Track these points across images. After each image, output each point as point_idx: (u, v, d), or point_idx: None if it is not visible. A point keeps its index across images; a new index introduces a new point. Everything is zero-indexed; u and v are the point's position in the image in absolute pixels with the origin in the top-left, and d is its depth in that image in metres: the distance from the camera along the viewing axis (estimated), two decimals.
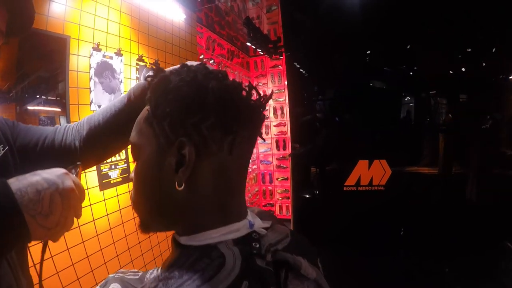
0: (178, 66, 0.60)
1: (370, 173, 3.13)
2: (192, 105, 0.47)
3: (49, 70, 1.57)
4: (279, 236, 0.55)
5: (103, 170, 1.90)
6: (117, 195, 1.98)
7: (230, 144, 0.49)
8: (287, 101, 4.82)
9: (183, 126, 0.47)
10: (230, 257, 0.45)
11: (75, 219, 0.56)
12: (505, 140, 4.81)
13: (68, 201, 0.53)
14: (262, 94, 0.54)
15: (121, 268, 1.93)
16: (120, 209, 1.99)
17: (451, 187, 3.79)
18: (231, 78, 0.53)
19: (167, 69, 0.67)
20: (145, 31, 2.27)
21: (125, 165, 2.07)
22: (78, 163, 0.65)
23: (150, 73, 0.56)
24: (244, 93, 0.51)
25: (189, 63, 0.66)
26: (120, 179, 2.00)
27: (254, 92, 0.54)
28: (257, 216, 0.57)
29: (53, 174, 0.53)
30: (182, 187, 0.47)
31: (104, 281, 0.81)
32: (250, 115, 0.51)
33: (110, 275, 0.84)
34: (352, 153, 3.54)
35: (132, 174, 0.58)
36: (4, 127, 0.75)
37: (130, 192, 0.60)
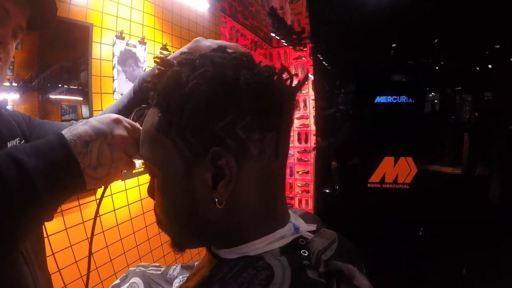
0: (185, 51, 0.53)
1: (395, 170, 3.02)
2: (220, 105, 0.39)
3: (71, 59, 1.57)
4: (327, 241, 0.49)
5: None
6: (139, 185, 1.98)
7: (273, 143, 0.42)
8: (310, 93, 4.73)
9: (212, 132, 0.39)
10: (278, 268, 0.39)
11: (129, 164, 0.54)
12: None
13: (119, 151, 0.50)
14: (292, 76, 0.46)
15: (140, 259, 1.94)
16: (141, 199, 1.99)
17: (474, 188, 3.62)
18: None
19: (173, 56, 0.59)
20: (169, 19, 2.24)
21: None
22: (143, 105, 0.59)
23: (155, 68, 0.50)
24: (276, 77, 0.43)
25: (200, 41, 0.60)
26: (142, 169, 1.99)
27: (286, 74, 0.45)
28: (300, 218, 0.51)
29: (103, 122, 0.51)
30: (223, 205, 0.41)
31: (125, 274, 0.79)
32: (288, 104, 0.44)
33: (131, 268, 0.82)
34: (377, 149, 3.44)
35: (150, 189, 0.52)
36: (21, 121, 0.74)
37: (155, 210, 0.52)
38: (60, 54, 1.51)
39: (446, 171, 3.12)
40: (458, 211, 2.79)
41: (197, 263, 0.73)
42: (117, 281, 0.75)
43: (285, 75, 0.45)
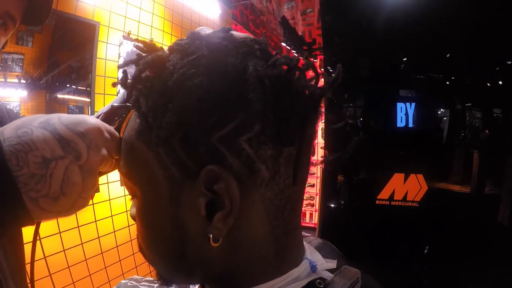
0: (178, 40, 0.34)
1: (405, 187, 2.91)
2: (217, 106, 0.28)
3: (80, 60, 1.56)
4: (349, 281, 0.38)
5: None
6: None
7: (291, 163, 0.31)
8: None
9: (207, 144, 0.28)
10: None
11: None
12: None
13: (94, 175, 0.34)
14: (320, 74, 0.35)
15: (136, 269, 1.86)
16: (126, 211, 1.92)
17: (483, 208, 3.52)
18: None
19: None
20: (178, 23, 2.21)
21: None
22: (127, 104, 0.41)
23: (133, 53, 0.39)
24: (298, 73, 0.32)
25: (203, 30, 0.36)
26: None
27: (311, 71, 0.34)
28: (316, 251, 0.41)
29: (75, 130, 0.32)
30: (219, 242, 0.31)
31: (115, 286, 0.74)
32: (313, 110, 0.33)
33: (123, 281, 0.77)
34: (387, 165, 3.35)
35: (132, 210, 0.40)
36: (4, 116, 0.67)
37: (137, 237, 0.41)
38: (70, 54, 1.52)
39: (455, 189, 3.03)
40: (467, 231, 2.69)
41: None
42: None
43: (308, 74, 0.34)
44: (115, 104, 0.41)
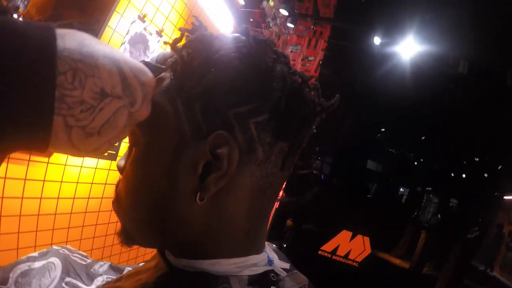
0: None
1: (350, 245, 3.00)
2: (244, 89, 0.34)
3: (85, 22, 1.52)
4: (297, 285, 0.42)
5: None
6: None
7: (282, 154, 0.37)
8: None
9: (223, 115, 0.33)
10: None
11: None
12: (481, 255, 4.85)
13: (131, 126, 0.32)
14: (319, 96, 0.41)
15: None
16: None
17: (417, 286, 3.67)
18: None
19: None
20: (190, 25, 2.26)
21: None
22: (158, 65, 0.40)
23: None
24: (306, 90, 0.38)
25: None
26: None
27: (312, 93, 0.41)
28: (274, 252, 0.45)
29: (139, 77, 0.31)
30: (205, 201, 0.34)
31: (46, 250, 0.69)
32: (313, 120, 0.39)
33: (55, 247, 0.72)
34: (338, 220, 3.45)
35: (121, 162, 0.42)
36: None
37: (116, 186, 0.42)
38: (77, 13, 1.48)
39: (395, 262, 3.16)
40: None
41: (129, 268, 0.65)
42: (35, 254, 0.65)
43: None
44: (146, 60, 0.44)
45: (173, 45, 0.37)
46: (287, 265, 0.43)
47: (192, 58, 0.34)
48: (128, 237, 0.41)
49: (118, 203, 0.41)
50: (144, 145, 0.36)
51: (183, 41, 0.38)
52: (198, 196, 0.34)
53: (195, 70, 0.34)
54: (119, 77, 0.29)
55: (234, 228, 0.37)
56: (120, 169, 0.42)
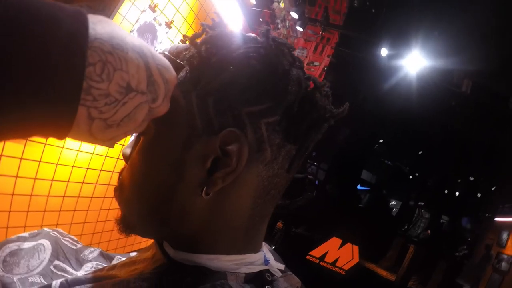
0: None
1: (338, 253, 3.00)
2: (259, 89, 0.34)
3: (94, 6, 1.52)
4: (291, 287, 0.43)
5: None
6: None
7: (289, 157, 0.38)
8: None
9: (236, 113, 0.34)
10: None
11: None
12: (467, 274, 4.90)
13: (147, 121, 0.32)
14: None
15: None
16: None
17: None
18: None
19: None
20: (202, 19, 2.26)
21: None
22: (177, 60, 0.38)
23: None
24: (318, 96, 0.39)
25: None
26: None
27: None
28: (270, 252, 0.46)
29: (163, 74, 0.30)
30: (210, 196, 0.34)
31: (36, 231, 0.69)
32: (323, 125, 0.39)
33: (46, 229, 0.72)
34: (329, 226, 3.45)
35: (127, 150, 0.42)
36: None
37: (120, 174, 0.42)
38: None
39: (381, 274, 3.17)
40: None
41: (119, 256, 0.64)
42: (26, 234, 0.64)
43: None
44: (166, 53, 0.44)
45: (192, 39, 0.37)
46: (282, 266, 0.44)
47: (211, 54, 0.35)
48: (127, 225, 0.41)
49: (121, 192, 0.41)
50: (154, 135, 0.36)
51: (189, 33, 0.39)
52: (204, 190, 0.34)
53: (213, 66, 0.34)
54: (146, 73, 0.29)
55: (235, 225, 0.38)
56: (126, 158, 0.42)
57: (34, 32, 0.22)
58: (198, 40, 0.37)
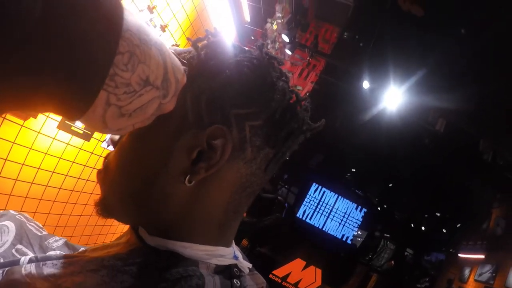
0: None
1: (301, 274, 3.00)
2: (248, 95, 0.38)
3: None
4: (255, 286, 0.45)
5: None
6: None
7: (267, 159, 0.41)
8: None
9: (225, 113, 0.37)
10: (210, 284, 0.36)
11: None
12: None
13: (154, 117, 0.34)
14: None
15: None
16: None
17: None
18: None
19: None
20: (196, 28, 2.30)
21: None
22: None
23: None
24: (298, 108, 0.43)
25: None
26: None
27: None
28: (239, 251, 0.48)
29: (175, 71, 0.34)
30: (192, 184, 0.37)
31: (2, 212, 0.67)
32: (297, 136, 0.43)
33: (12, 211, 0.69)
34: (294, 248, 3.46)
35: (115, 136, 0.45)
36: None
37: (106, 158, 0.44)
38: None
39: None
40: None
41: (84, 248, 0.63)
42: None
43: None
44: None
45: (195, 42, 0.40)
46: (249, 265, 0.46)
47: (209, 58, 0.39)
48: (106, 208, 0.42)
49: (106, 173, 0.42)
50: None
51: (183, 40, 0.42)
52: (187, 178, 0.37)
53: (210, 69, 0.38)
54: (163, 70, 0.31)
55: (211, 217, 0.40)
56: (114, 142, 0.44)
57: (76, 7, 0.23)
58: (200, 44, 0.40)
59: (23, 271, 0.36)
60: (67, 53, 0.23)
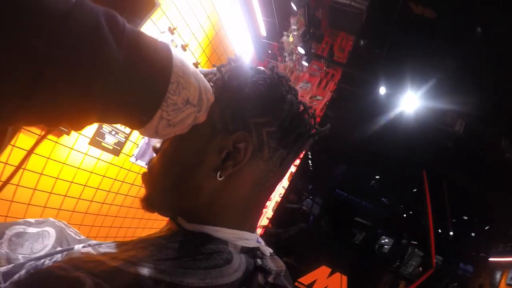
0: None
1: (327, 281, 2.99)
2: (264, 107, 0.48)
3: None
4: (276, 268, 0.51)
5: None
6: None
7: (281, 158, 0.50)
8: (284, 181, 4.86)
9: (246, 121, 0.47)
10: (237, 259, 0.44)
11: None
12: None
13: (187, 129, 0.44)
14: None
15: None
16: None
17: None
18: None
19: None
20: (215, 46, 2.42)
21: None
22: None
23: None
24: (306, 116, 0.52)
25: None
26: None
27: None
28: (262, 240, 0.56)
29: (208, 92, 0.44)
30: (222, 178, 0.46)
31: (43, 219, 0.71)
32: (306, 139, 0.53)
33: (51, 219, 0.75)
34: (319, 254, 3.44)
35: (157, 144, 0.55)
36: None
37: (149, 163, 0.54)
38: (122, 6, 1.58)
39: None
40: None
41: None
42: (32, 220, 0.67)
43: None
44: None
45: (219, 68, 0.51)
46: (270, 250, 0.54)
47: (232, 79, 0.49)
48: (150, 203, 0.51)
49: (150, 174, 0.52)
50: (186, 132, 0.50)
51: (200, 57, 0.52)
52: (218, 173, 0.46)
53: (232, 88, 0.48)
54: (198, 92, 0.42)
55: (237, 205, 0.49)
56: (155, 150, 0.54)
57: (152, 56, 0.36)
58: (223, 69, 0.51)
59: (82, 250, 0.45)
60: (141, 86, 0.36)
